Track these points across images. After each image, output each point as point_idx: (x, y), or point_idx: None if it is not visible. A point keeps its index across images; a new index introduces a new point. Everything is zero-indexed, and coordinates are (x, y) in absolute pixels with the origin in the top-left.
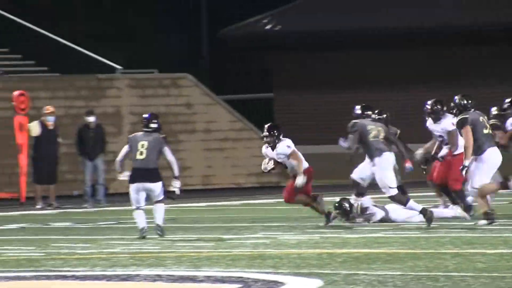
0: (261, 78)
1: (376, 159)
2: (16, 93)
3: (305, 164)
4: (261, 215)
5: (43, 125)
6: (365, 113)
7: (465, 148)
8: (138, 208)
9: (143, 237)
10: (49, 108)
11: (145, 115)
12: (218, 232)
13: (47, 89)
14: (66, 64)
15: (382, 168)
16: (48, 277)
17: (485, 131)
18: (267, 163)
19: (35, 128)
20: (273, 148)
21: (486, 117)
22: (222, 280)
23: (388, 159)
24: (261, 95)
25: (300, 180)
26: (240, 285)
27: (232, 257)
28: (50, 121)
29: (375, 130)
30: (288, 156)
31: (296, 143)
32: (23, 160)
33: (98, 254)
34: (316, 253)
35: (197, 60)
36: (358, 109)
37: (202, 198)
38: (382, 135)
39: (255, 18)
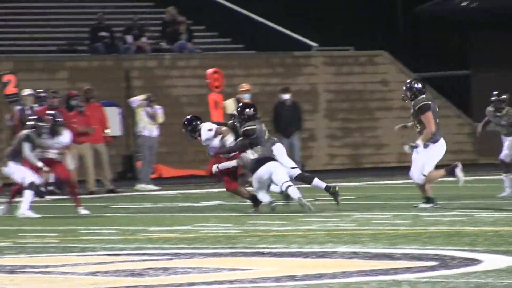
0: (457, 55)
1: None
2: (210, 70)
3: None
4: (457, 192)
5: (239, 103)
6: (257, 115)
7: (425, 132)
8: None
9: (272, 208)
10: (245, 86)
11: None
12: (414, 210)
13: (243, 66)
14: (261, 42)
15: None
16: (245, 254)
17: (437, 121)
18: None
19: (231, 106)
20: (198, 137)
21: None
22: (419, 257)
23: (279, 146)
24: (457, 73)
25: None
26: (437, 263)
27: (429, 234)
28: (246, 98)
29: (265, 129)
30: (216, 136)
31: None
32: None
33: (294, 231)
34: None
35: (393, 37)
36: (251, 111)
37: (398, 176)
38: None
39: None
